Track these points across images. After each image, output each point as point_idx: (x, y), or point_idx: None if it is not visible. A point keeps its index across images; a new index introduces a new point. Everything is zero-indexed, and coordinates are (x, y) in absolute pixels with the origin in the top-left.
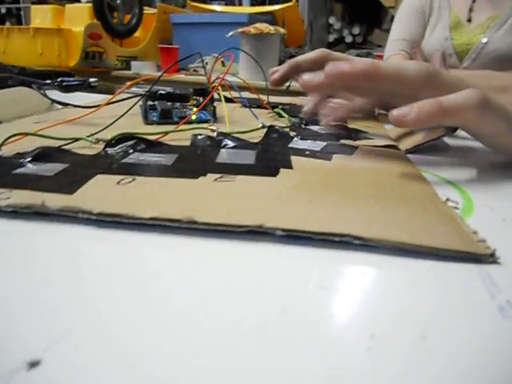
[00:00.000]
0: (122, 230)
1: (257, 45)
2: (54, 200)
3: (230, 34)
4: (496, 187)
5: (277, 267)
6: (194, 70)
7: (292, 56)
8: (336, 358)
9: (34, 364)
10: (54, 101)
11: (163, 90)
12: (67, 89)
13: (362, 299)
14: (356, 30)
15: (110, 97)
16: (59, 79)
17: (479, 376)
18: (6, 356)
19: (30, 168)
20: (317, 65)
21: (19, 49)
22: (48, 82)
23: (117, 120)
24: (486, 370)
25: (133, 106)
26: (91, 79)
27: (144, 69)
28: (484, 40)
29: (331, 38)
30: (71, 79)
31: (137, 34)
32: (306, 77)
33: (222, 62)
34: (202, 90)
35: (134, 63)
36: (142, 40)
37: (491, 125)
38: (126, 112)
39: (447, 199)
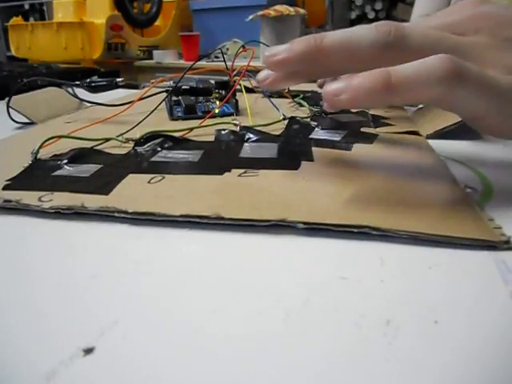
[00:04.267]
0: (155, 227)
1: (277, 27)
2: (92, 201)
3: (250, 17)
4: None
5: (299, 259)
6: (216, 57)
7: None
8: (355, 343)
9: (88, 351)
10: (83, 100)
11: (187, 84)
12: (95, 89)
13: (379, 288)
14: (379, 5)
15: (134, 92)
16: (88, 80)
17: (488, 359)
18: (64, 343)
19: (68, 170)
20: None
21: (44, 44)
22: (77, 82)
23: (144, 119)
24: (495, 354)
25: (158, 105)
26: (118, 79)
27: (166, 57)
28: None
29: (353, 15)
30: (99, 80)
31: (157, 22)
32: (260, 76)
33: (243, 46)
34: (224, 83)
35: (155, 52)
36: (162, 29)
37: (466, 105)
38: (153, 111)
39: (465, 185)
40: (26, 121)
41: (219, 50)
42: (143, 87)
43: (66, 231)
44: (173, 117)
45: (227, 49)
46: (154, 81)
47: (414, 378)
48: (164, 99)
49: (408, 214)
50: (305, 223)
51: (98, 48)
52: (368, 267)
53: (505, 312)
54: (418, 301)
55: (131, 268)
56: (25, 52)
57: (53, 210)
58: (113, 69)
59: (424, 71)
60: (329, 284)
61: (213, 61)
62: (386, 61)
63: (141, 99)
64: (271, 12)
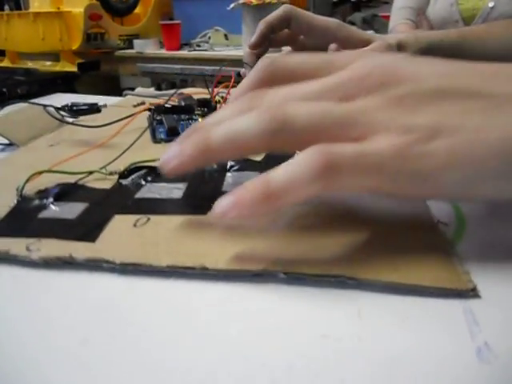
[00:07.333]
0: (143, 277)
1: (259, 15)
2: (80, 250)
3: (232, 6)
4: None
5: (282, 314)
6: (197, 45)
7: None
8: None
9: None
10: (63, 121)
11: (168, 104)
12: (77, 113)
13: (357, 348)
14: None
15: (118, 99)
16: (70, 104)
17: None
18: None
19: (54, 211)
20: (286, 22)
21: (21, 35)
22: (58, 106)
23: (125, 151)
24: None
25: (141, 134)
26: (100, 103)
27: (147, 47)
28: (491, 4)
29: None
30: (81, 103)
31: (136, 10)
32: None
33: (225, 35)
34: (206, 102)
35: (136, 41)
36: (142, 17)
37: (351, 187)
38: (134, 142)
39: (438, 221)
40: (7, 142)
41: (201, 40)
42: (125, 95)
43: (55, 283)
44: (155, 139)
45: (209, 37)
46: (137, 104)
47: None
48: (147, 128)
49: (381, 262)
50: (285, 273)
51: (77, 38)
52: (346, 322)
53: (469, 374)
54: (391, 360)
55: (122, 329)
56: (1, 43)
57: (42, 261)
58: (93, 59)
59: (297, 173)
60: (311, 345)
61: (195, 49)
62: (275, 145)
63: (123, 119)
64: (253, 0)
